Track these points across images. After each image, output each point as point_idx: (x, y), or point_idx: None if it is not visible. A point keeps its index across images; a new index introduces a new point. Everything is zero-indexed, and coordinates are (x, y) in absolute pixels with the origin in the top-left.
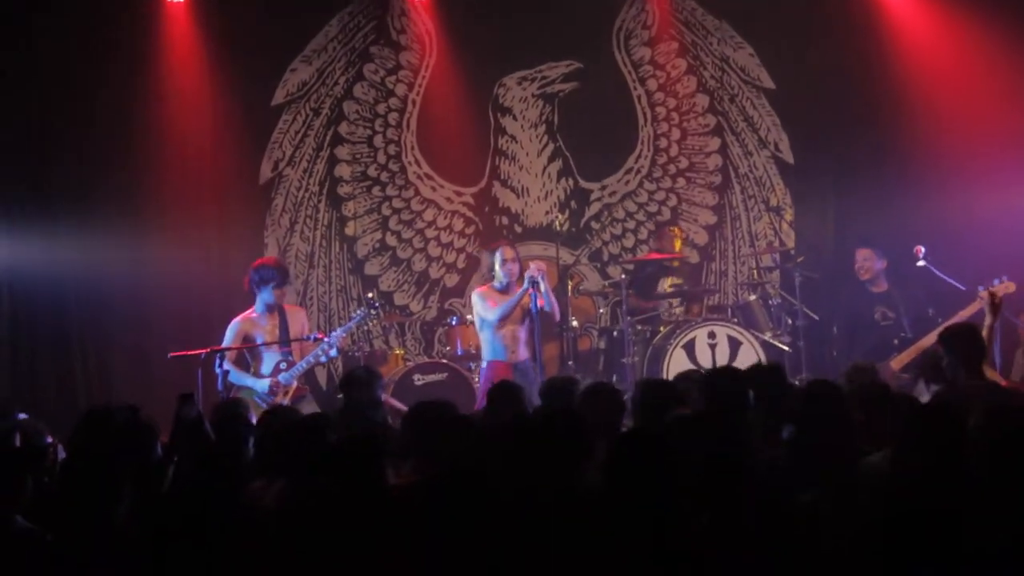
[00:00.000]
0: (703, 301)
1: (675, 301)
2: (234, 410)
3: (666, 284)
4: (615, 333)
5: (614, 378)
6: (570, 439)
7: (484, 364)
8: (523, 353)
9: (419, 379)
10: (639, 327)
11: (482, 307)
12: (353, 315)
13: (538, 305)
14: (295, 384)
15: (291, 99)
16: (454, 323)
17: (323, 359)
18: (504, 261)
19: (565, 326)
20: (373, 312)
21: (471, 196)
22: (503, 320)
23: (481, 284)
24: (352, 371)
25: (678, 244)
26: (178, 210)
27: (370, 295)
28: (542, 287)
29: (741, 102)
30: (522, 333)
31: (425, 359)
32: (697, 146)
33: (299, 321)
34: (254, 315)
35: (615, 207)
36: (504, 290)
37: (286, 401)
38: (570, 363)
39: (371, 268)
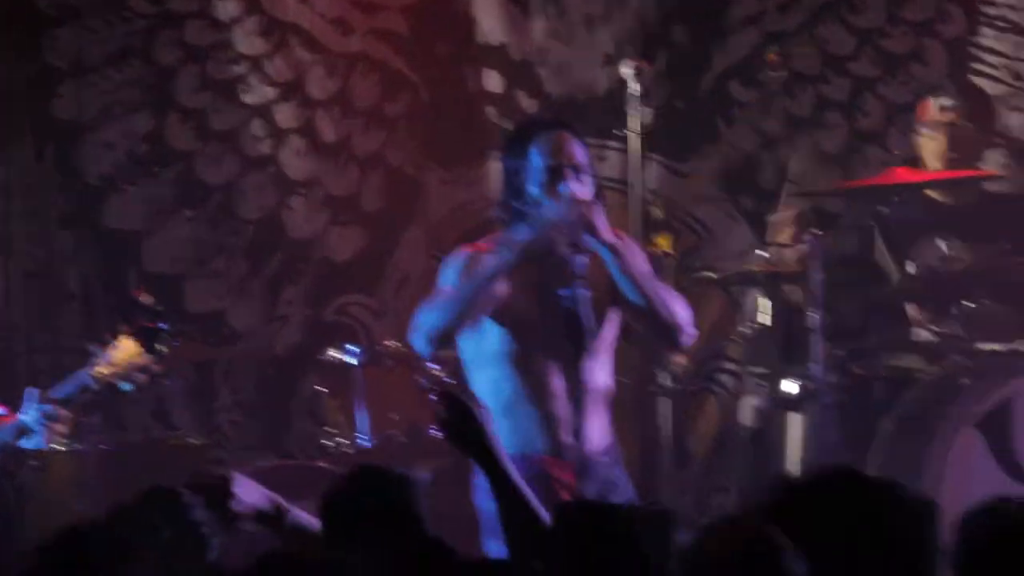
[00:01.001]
0: None
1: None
2: None
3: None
4: (794, 384)
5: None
6: None
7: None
8: (594, 430)
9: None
10: (856, 370)
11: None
12: (92, 356)
13: (586, 308)
14: None
15: None
16: (355, 361)
17: None
18: (551, 167)
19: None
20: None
21: (403, 13)
22: (524, 343)
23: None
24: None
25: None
26: None
27: (144, 299)
28: (605, 244)
29: None
30: (592, 378)
31: (271, 460)
32: None
33: None
34: None
35: (793, 39)
36: (536, 253)
37: None
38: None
39: (124, 215)
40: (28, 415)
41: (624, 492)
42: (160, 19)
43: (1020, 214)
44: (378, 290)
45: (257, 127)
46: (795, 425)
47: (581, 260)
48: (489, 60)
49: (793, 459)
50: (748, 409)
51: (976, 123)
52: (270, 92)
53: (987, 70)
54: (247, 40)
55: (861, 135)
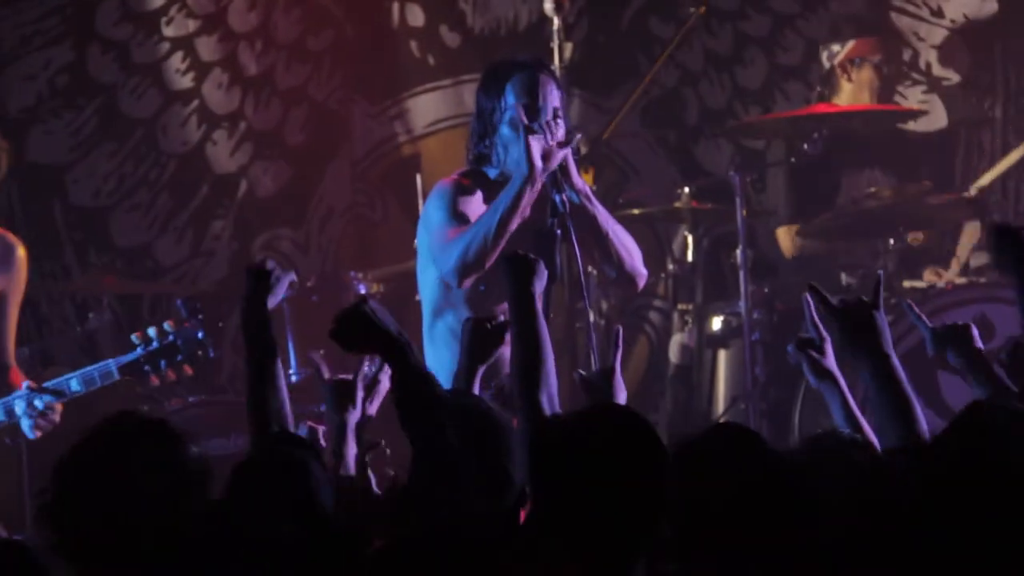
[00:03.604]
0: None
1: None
2: None
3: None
4: (719, 321)
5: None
6: None
7: None
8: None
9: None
10: (780, 307)
11: (439, 227)
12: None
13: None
14: None
15: None
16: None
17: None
18: (526, 108)
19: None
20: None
21: None
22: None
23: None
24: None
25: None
26: None
27: (186, 305)
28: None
29: None
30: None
31: (201, 396)
32: None
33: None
34: None
35: None
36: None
37: None
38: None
39: (48, 148)
40: (18, 404)
41: None
42: None
43: (939, 151)
44: (303, 224)
45: (179, 60)
46: (723, 362)
47: (560, 200)
48: None
49: (720, 396)
50: (676, 346)
51: (896, 60)
52: (192, 25)
53: (907, 7)
54: None
55: (781, 71)
